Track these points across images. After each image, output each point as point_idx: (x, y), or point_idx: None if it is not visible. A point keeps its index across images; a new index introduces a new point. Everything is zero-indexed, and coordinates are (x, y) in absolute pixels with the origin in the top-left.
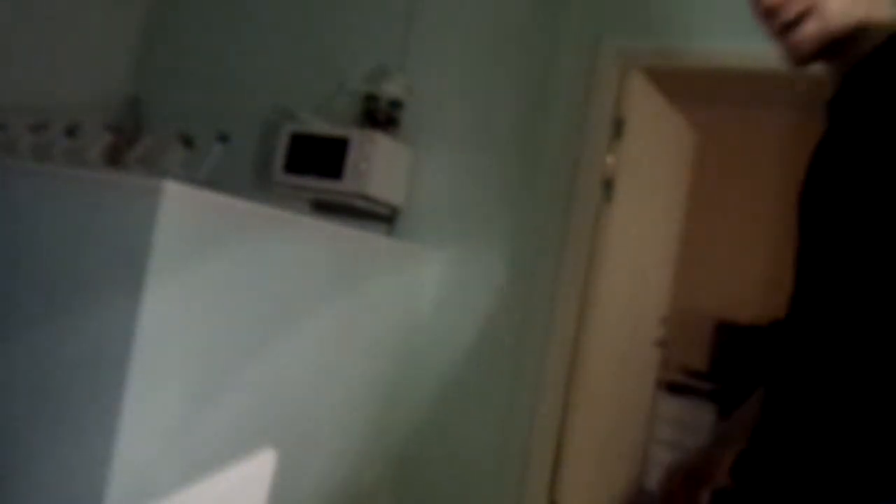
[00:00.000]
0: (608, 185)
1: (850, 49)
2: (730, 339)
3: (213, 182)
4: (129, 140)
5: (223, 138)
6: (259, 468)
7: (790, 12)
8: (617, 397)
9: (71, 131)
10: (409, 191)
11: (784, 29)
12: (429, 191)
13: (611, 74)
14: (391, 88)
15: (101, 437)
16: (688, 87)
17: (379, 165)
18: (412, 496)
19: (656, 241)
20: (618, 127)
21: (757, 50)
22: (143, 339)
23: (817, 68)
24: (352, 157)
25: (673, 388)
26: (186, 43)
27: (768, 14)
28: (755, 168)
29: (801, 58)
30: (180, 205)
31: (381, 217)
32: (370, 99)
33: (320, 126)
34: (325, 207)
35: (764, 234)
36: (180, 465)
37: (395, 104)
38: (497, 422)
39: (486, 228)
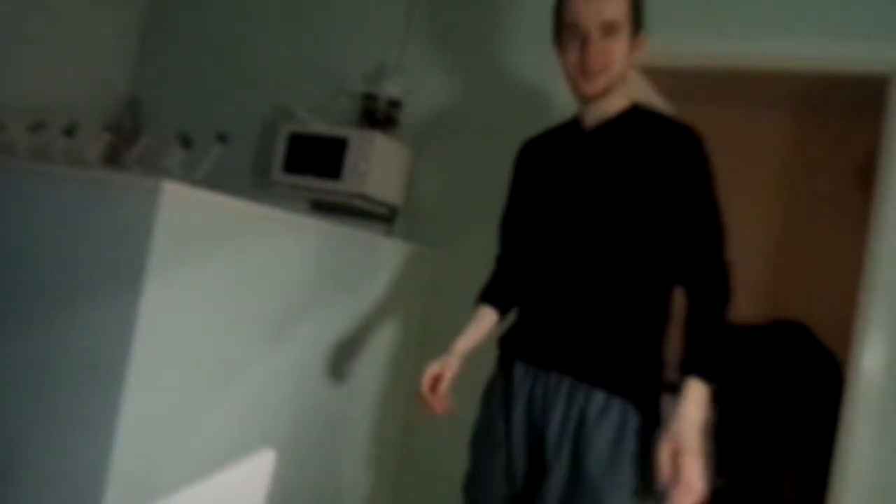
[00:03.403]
0: None
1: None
2: (730, 339)
3: (212, 182)
4: (127, 140)
5: (222, 138)
6: (258, 468)
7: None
8: None
9: (69, 131)
10: (408, 191)
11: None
12: (427, 191)
13: None
14: (390, 88)
15: (99, 438)
16: (687, 86)
17: (378, 165)
18: (412, 496)
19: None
20: None
21: (756, 50)
22: (142, 340)
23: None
24: (350, 157)
25: (673, 389)
26: (185, 43)
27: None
28: (754, 168)
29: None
30: (179, 205)
31: (380, 217)
32: (369, 99)
33: (319, 126)
34: (324, 207)
35: (764, 234)
36: (179, 465)
37: (394, 104)
38: None
39: (485, 228)
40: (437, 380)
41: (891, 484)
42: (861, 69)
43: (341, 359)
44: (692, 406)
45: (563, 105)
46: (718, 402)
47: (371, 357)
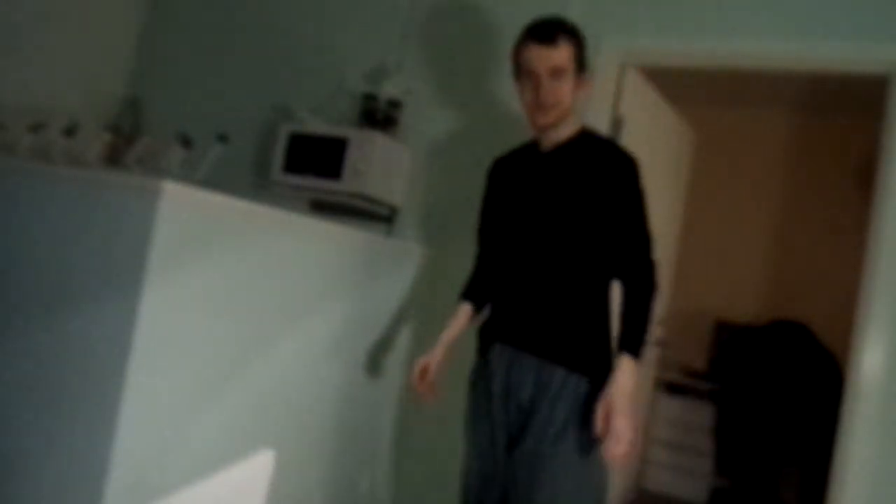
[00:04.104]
0: None
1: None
2: (729, 339)
3: (212, 182)
4: (127, 140)
5: (222, 138)
6: (258, 468)
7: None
8: None
9: (70, 131)
10: (408, 191)
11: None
12: (427, 191)
13: (610, 74)
14: (390, 88)
15: (100, 438)
16: (687, 86)
17: (378, 165)
18: (412, 496)
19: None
20: (617, 126)
21: (756, 50)
22: (142, 339)
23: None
24: (350, 157)
25: (672, 388)
26: (186, 43)
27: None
28: (754, 168)
29: (544, 127)
30: (179, 205)
31: (380, 217)
32: (369, 99)
33: (319, 126)
34: (324, 207)
35: (763, 234)
36: (179, 465)
37: (394, 104)
38: None
39: None
40: (425, 370)
41: (891, 484)
42: (861, 69)
43: (340, 359)
44: (623, 376)
45: None
46: (719, 401)
47: (370, 357)
